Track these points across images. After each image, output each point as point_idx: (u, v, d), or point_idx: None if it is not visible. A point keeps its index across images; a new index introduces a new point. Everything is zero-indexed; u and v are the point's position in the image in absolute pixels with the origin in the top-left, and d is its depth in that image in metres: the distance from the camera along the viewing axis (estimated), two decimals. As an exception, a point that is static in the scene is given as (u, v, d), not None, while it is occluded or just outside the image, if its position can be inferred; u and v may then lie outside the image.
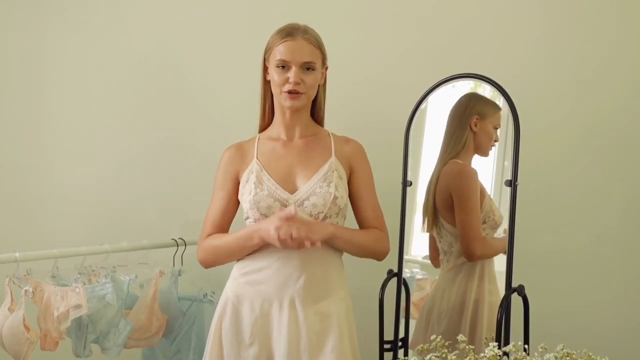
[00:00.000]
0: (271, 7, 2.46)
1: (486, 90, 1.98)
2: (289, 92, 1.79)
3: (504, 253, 1.84)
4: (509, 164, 1.82)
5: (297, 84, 1.78)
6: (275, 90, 1.83)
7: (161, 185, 2.66)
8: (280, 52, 1.79)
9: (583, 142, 2.18)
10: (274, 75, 1.81)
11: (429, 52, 2.33)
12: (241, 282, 1.81)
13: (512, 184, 1.79)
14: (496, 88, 1.87)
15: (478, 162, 2.01)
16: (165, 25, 2.68)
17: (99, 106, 2.75)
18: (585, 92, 2.17)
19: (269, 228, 1.70)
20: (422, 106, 2.03)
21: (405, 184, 2.03)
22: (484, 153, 1.99)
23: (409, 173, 2.03)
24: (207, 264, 1.86)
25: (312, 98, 1.86)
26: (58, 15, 2.78)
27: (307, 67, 1.80)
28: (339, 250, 1.83)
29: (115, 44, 2.72)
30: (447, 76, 1.97)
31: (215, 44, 2.61)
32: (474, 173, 1.99)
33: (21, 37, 2.81)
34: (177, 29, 2.66)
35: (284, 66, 1.79)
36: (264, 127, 1.92)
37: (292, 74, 1.78)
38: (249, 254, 1.80)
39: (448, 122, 2.03)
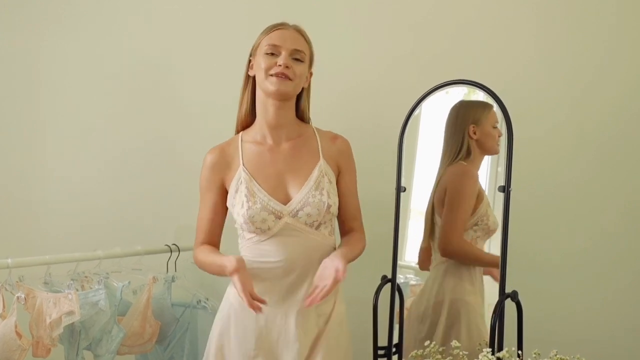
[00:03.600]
0: (265, 11, 2.47)
1: (480, 97, 1.99)
2: (277, 75, 1.73)
3: (482, 265, 1.85)
4: (502, 170, 1.83)
5: (286, 67, 1.73)
6: (260, 76, 1.76)
7: (155, 191, 2.65)
8: (270, 38, 1.76)
9: (577, 148, 2.19)
10: (261, 62, 1.75)
11: (423, 58, 2.34)
12: None
13: (505, 189, 1.80)
14: (490, 94, 1.87)
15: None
16: (159, 30, 2.68)
17: (92, 112, 2.75)
18: (580, 97, 2.19)
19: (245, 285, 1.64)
20: (416, 112, 2.03)
21: (399, 189, 2.03)
22: (494, 151, 1.97)
23: (403, 179, 2.03)
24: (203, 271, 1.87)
25: (298, 91, 1.81)
26: (54, 20, 2.78)
27: (297, 57, 1.76)
28: (333, 245, 1.82)
29: (111, 49, 2.72)
30: (441, 82, 1.97)
31: (208, 49, 2.61)
32: (473, 175, 2.00)
33: (14, 43, 2.80)
34: (171, 34, 2.66)
35: (273, 52, 1.75)
36: (241, 123, 1.87)
37: (282, 58, 1.73)
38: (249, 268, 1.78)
39: (444, 134, 2.03)
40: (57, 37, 2.77)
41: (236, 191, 1.78)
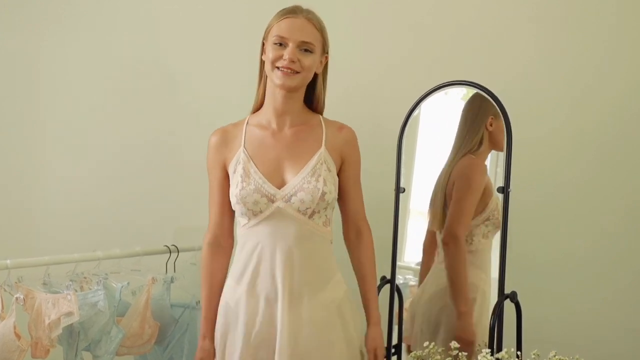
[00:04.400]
0: (265, 11, 2.46)
1: (479, 97, 1.99)
2: (283, 69, 1.72)
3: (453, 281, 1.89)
4: (501, 170, 1.83)
5: (292, 61, 1.71)
6: (267, 67, 1.76)
7: (154, 191, 2.65)
8: (279, 28, 1.74)
9: (577, 148, 2.18)
10: (269, 52, 1.74)
11: (423, 58, 2.34)
12: (238, 289, 1.78)
13: (505, 190, 1.80)
14: (488, 95, 1.87)
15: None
16: (159, 30, 2.68)
17: (92, 112, 2.75)
18: (580, 97, 2.18)
19: None
20: (415, 113, 2.03)
21: (399, 190, 2.03)
22: (501, 148, 1.97)
23: (402, 180, 2.03)
24: None
25: (307, 82, 1.79)
26: (54, 20, 2.78)
27: (305, 49, 1.74)
28: (328, 237, 1.81)
29: (111, 49, 2.72)
30: (440, 83, 1.97)
31: (208, 49, 2.61)
32: (483, 168, 2.00)
33: (14, 43, 2.81)
34: (171, 35, 2.66)
35: (281, 43, 1.73)
36: (256, 106, 1.86)
37: (288, 51, 1.72)
38: (240, 259, 1.79)
39: (461, 122, 2.02)
40: (57, 37, 2.77)
41: (234, 172, 1.79)
